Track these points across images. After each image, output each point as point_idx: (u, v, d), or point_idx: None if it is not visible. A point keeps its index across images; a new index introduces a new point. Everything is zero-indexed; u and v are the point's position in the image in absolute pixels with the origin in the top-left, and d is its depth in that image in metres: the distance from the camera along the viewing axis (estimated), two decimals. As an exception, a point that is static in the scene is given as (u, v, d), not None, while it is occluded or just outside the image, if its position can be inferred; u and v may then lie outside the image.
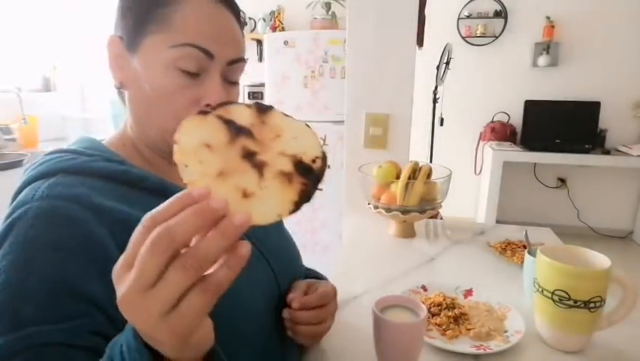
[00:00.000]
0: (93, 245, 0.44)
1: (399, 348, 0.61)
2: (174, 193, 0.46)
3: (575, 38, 3.37)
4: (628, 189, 3.53)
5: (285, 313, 0.61)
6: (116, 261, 0.38)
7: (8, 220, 0.44)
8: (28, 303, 0.40)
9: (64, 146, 0.55)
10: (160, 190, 0.52)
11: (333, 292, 0.66)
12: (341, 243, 1.43)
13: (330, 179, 2.63)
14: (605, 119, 3.35)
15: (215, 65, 0.52)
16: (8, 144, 2.42)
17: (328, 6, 2.80)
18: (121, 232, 0.45)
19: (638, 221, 3.50)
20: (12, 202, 0.48)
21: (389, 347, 0.62)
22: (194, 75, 0.51)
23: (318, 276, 0.79)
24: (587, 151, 3.20)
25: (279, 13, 3.40)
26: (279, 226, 0.73)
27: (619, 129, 3.40)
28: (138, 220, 0.41)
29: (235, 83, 0.56)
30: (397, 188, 1.07)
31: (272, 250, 0.63)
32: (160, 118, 0.52)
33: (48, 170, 0.49)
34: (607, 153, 3.20)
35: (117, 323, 0.41)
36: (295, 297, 0.61)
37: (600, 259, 0.67)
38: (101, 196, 0.47)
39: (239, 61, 0.54)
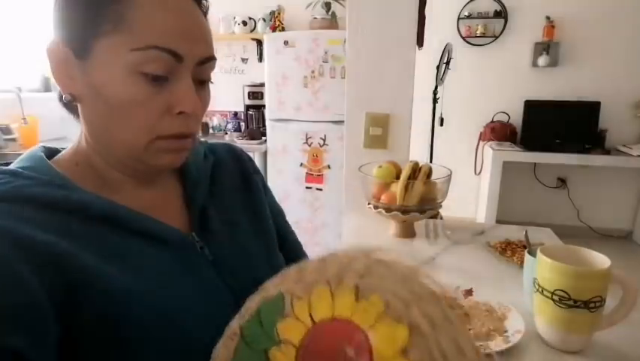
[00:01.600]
0: (13, 289, 0.36)
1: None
2: (125, 219, 0.45)
3: (575, 38, 3.37)
4: (628, 189, 3.53)
5: None
6: (39, 305, 0.36)
7: None
8: None
9: (12, 163, 0.48)
10: (108, 217, 0.45)
11: None
12: (341, 243, 1.43)
13: (330, 179, 2.63)
14: (605, 119, 3.35)
15: (184, 67, 0.45)
16: (8, 144, 2.42)
17: (328, 6, 2.80)
18: (49, 269, 0.38)
19: (638, 221, 3.50)
20: None
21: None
22: (161, 80, 0.44)
23: None
24: (587, 151, 3.20)
25: (279, 13, 3.40)
26: (269, 252, 0.61)
27: (619, 129, 3.40)
28: (72, 255, 0.39)
29: (205, 82, 0.50)
30: (397, 188, 1.07)
31: (246, 283, 0.45)
32: (124, 131, 0.45)
33: None
34: (607, 153, 3.20)
35: None
36: None
37: (600, 259, 0.67)
38: (32, 228, 0.39)
39: (210, 59, 0.48)
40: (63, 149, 0.53)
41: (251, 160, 0.68)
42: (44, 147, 0.52)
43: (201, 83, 0.49)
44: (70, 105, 0.50)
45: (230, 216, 0.57)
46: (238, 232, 0.57)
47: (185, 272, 0.48)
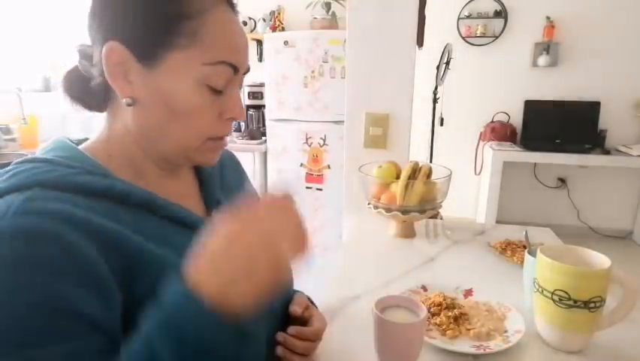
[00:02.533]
0: (83, 263, 0.39)
1: (399, 348, 0.61)
2: (164, 208, 0.50)
3: (575, 38, 3.37)
4: (628, 189, 3.53)
5: (280, 337, 0.61)
6: (106, 278, 0.41)
7: None
8: (21, 329, 0.36)
9: (38, 152, 0.50)
10: (147, 205, 0.49)
11: (323, 330, 0.66)
12: (341, 243, 1.43)
13: (330, 179, 2.63)
14: (605, 119, 3.35)
15: (237, 78, 0.51)
16: (8, 144, 2.42)
17: (328, 6, 2.80)
18: (110, 248, 0.42)
19: (638, 221, 3.50)
20: None
21: (389, 347, 0.62)
22: (219, 91, 0.49)
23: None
24: (587, 151, 3.20)
25: (279, 13, 3.40)
26: None
27: (619, 129, 3.40)
28: (127, 237, 0.43)
29: (241, 87, 0.56)
30: (397, 188, 1.07)
31: None
32: (182, 134, 0.50)
33: (22, 182, 0.43)
34: (607, 153, 3.20)
35: (116, 344, 0.40)
36: (297, 312, 0.64)
37: (600, 259, 0.67)
38: (86, 212, 0.42)
39: (249, 69, 0.54)
40: (81, 140, 0.55)
41: (241, 165, 0.76)
42: (67, 138, 0.54)
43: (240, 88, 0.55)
44: (87, 98, 0.53)
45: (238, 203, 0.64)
46: None
47: None
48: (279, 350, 0.61)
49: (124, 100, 0.48)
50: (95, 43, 0.48)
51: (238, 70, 0.50)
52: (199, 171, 0.63)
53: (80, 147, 0.52)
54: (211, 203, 0.60)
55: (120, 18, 0.46)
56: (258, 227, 0.39)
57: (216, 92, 0.49)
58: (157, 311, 0.38)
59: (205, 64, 0.47)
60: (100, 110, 0.54)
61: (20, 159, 0.47)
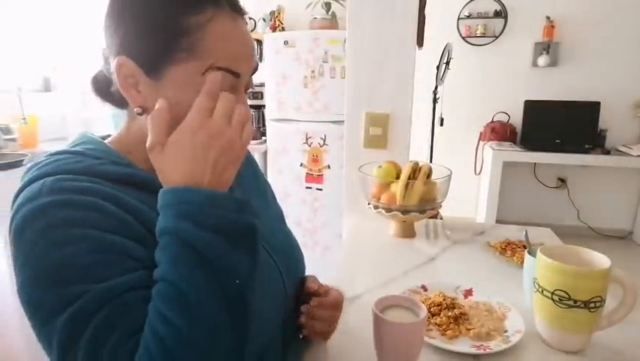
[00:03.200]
0: (121, 218, 0.45)
1: (399, 348, 0.61)
2: None
3: (575, 38, 3.37)
4: (628, 189, 3.53)
5: (304, 308, 0.65)
6: (142, 230, 0.47)
7: (16, 222, 0.44)
8: (90, 268, 0.42)
9: (66, 146, 0.54)
10: None
11: (342, 300, 0.70)
12: (341, 243, 1.43)
13: (330, 179, 2.63)
14: (605, 119, 3.35)
15: (240, 82, 0.53)
16: (8, 144, 2.42)
17: (328, 6, 2.80)
18: (139, 217, 0.47)
19: (638, 221, 3.50)
20: (13, 203, 0.46)
21: (389, 347, 0.62)
22: None
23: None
24: (587, 151, 3.20)
25: (279, 13, 3.40)
26: (283, 225, 0.76)
27: (619, 129, 3.40)
28: (151, 213, 0.48)
29: (248, 88, 0.58)
30: (397, 188, 1.07)
31: (279, 250, 0.64)
32: None
33: (53, 171, 0.47)
34: (607, 153, 3.20)
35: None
36: (313, 288, 0.68)
37: (600, 259, 0.67)
38: (114, 191, 0.47)
39: (257, 68, 0.56)
40: (104, 137, 0.59)
41: (254, 159, 0.80)
42: (90, 134, 0.58)
43: (245, 90, 0.56)
44: (113, 98, 0.57)
45: (251, 196, 0.68)
46: (259, 209, 0.68)
47: None
48: (303, 319, 0.66)
49: (135, 109, 0.51)
50: (110, 54, 0.52)
51: (239, 75, 0.51)
52: None
53: (105, 141, 0.56)
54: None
55: (127, 35, 0.49)
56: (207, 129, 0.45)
57: None
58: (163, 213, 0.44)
59: (204, 74, 0.49)
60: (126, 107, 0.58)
61: (51, 152, 0.51)
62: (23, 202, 0.44)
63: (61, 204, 0.43)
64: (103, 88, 0.57)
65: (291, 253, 0.69)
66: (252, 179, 0.74)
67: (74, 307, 0.40)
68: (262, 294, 0.56)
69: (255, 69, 0.55)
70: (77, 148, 0.52)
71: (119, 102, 0.57)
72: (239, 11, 0.52)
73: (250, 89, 0.57)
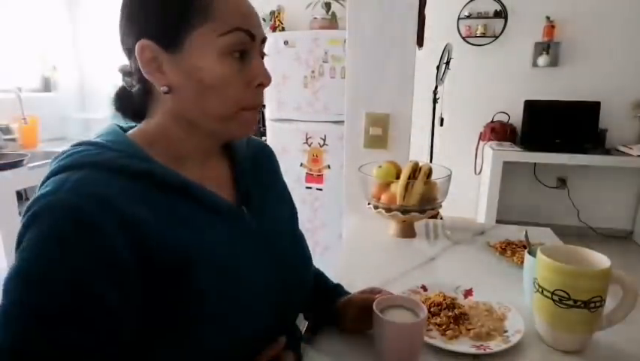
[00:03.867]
0: (110, 251, 0.44)
1: (399, 348, 0.61)
2: (196, 192, 0.55)
3: (575, 38, 3.37)
4: (628, 189, 3.53)
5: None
6: (128, 268, 0.45)
7: (34, 209, 0.45)
8: (50, 301, 0.42)
9: (92, 137, 0.55)
10: (181, 189, 0.53)
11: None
12: (341, 243, 1.43)
13: (330, 179, 2.63)
14: (605, 119, 3.35)
15: (255, 46, 0.55)
16: (8, 144, 2.42)
17: (328, 6, 2.80)
18: (137, 236, 0.46)
19: (638, 221, 3.49)
20: (39, 188, 0.48)
21: (389, 347, 0.62)
22: (242, 59, 0.53)
23: (327, 282, 0.82)
24: (586, 151, 3.20)
25: (279, 13, 3.40)
26: (293, 228, 0.75)
27: (619, 129, 3.40)
28: (155, 226, 0.48)
29: (263, 58, 0.59)
30: (397, 188, 1.07)
31: (284, 254, 0.64)
32: (217, 106, 0.54)
33: (76, 163, 0.49)
34: (607, 153, 3.20)
35: (123, 333, 0.45)
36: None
37: (600, 259, 0.67)
38: (124, 198, 0.47)
39: (266, 39, 0.58)
40: (129, 128, 0.60)
41: (276, 158, 0.79)
42: (117, 125, 0.59)
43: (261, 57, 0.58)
44: (131, 110, 0.59)
45: (266, 197, 0.68)
46: (272, 211, 0.68)
47: (238, 237, 0.58)
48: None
49: (162, 88, 0.53)
50: (130, 54, 0.54)
51: (254, 36, 0.54)
52: (233, 162, 0.66)
53: (128, 133, 0.57)
54: (242, 193, 0.64)
55: (141, 19, 0.52)
56: None
57: (240, 60, 0.53)
58: None
59: (221, 35, 0.51)
60: (142, 119, 0.60)
61: (77, 142, 0.53)
62: (44, 194, 0.45)
63: (68, 212, 0.44)
64: (124, 103, 0.60)
65: (296, 259, 0.68)
66: (269, 178, 0.73)
67: (17, 330, 0.41)
68: (262, 298, 0.57)
69: (265, 38, 0.57)
70: (99, 140, 0.53)
71: (137, 114, 0.59)
72: None
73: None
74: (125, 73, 0.58)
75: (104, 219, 0.44)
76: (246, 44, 0.53)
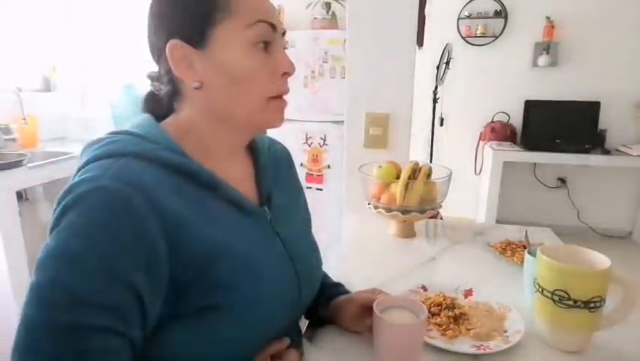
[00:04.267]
0: (147, 240, 0.46)
1: (399, 349, 0.61)
2: (223, 189, 0.57)
3: (575, 38, 3.37)
4: (628, 189, 3.53)
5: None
6: (160, 259, 0.47)
7: (76, 191, 0.45)
8: (84, 283, 0.43)
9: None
10: (212, 185, 0.55)
11: None
12: (341, 243, 1.43)
13: (330, 179, 2.63)
14: (605, 119, 3.35)
15: (278, 37, 0.57)
16: (8, 144, 2.42)
17: (328, 6, 2.80)
18: (171, 227, 0.48)
19: (638, 221, 3.50)
20: (77, 172, 0.49)
21: (389, 348, 0.62)
22: (267, 50, 0.56)
23: (330, 284, 0.82)
24: (587, 151, 3.20)
25: (279, 13, 3.40)
26: (307, 232, 0.76)
27: (619, 129, 3.40)
28: (187, 219, 0.50)
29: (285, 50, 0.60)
30: (397, 188, 1.07)
31: (300, 257, 0.65)
32: (247, 97, 0.56)
33: (118, 150, 0.50)
34: (607, 153, 3.20)
35: (148, 318, 0.47)
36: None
37: (600, 259, 0.67)
38: (162, 189, 0.49)
39: (285, 32, 0.59)
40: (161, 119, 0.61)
41: (293, 161, 0.81)
42: (152, 116, 0.60)
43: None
44: (161, 110, 0.61)
45: (284, 199, 0.69)
46: (289, 212, 0.69)
47: (263, 237, 0.60)
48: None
49: (194, 85, 0.55)
50: (160, 57, 0.56)
51: (276, 28, 0.56)
52: (256, 162, 0.68)
53: (161, 123, 0.59)
54: (263, 193, 0.65)
55: (168, 20, 0.54)
56: None
57: (266, 51, 0.55)
58: None
59: (245, 27, 0.53)
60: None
61: (114, 130, 0.55)
62: (88, 178, 0.46)
63: (110, 197, 0.45)
64: (154, 106, 0.62)
65: (310, 261, 0.69)
66: (288, 180, 0.75)
67: (51, 306, 0.42)
68: (279, 298, 0.58)
69: (285, 31, 0.59)
70: (137, 130, 0.55)
71: (166, 113, 0.61)
72: None
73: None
74: (153, 78, 0.61)
75: (144, 208, 0.46)
76: (269, 35, 0.55)
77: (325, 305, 0.76)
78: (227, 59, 0.54)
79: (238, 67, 0.54)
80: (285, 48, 0.60)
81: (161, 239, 0.46)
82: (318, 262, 0.73)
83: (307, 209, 0.80)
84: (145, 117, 0.59)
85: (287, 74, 0.58)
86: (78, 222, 0.44)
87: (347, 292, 0.79)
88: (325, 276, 0.84)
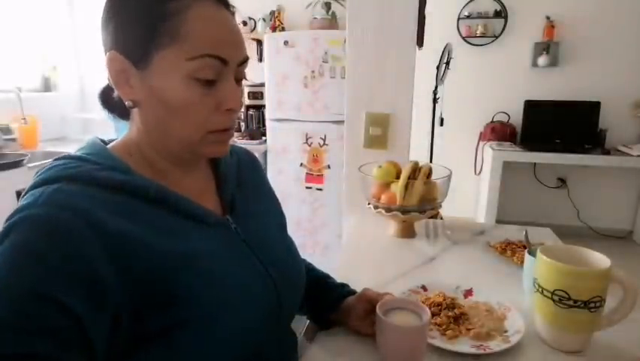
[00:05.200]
0: (81, 261, 0.43)
1: (401, 351, 0.61)
2: (174, 201, 0.54)
3: (575, 38, 3.37)
4: (628, 189, 3.53)
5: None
6: (102, 280, 0.44)
7: (9, 222, 0.45)
8: (8, 308, 0.40)
9: (73, 151, 0.55)
10: (161, 200, 0.52)
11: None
12: (341, 243, 1.43)
13: (330, 179, 2.63)
14: (605, 119, 3.35)
15: (229, 70, 0.53)
16: (8, 144, 2.42)
17: (328, 6, 2.81)
18: (115, 246, 0.45)
19: (638, 221, 3.49)
20: (19, 201, 0.48)
21: (393, 350, 0.62)
22: (211, 83, 0.52)
23: (336, 285, 0.81)
24: (587, 151, 3.20)
25: (279, 13, 3.40)
26: (282, 235, 0.73)
27: (619, 129, 3.40)
28: (134, 235, 0.47)
29: (241, 81, 0.57)
30: (397, 188, 1.07)
31: (275, 261, 0.62)
32: (181, 129, 0.53)
33: (53, 176, 0.49)
34: (607, 153, 3.20)
35: (95, 343, 0.43)
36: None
37: (600, 259, 0.67)
38: (101, 208, 0.47)
39: (246, 60, 0.56)
40: (111, 140, 0.60)
41: (260, 165, 0.79)
42: (99, 138, 0.59)
43: (238, 81, 0.56)
44: (117, 108, 0.59)
45: (251, 204, 0.68)
46: (258, 218, 0.67)
47: (226, 247, 0.58)
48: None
49: (127, 103, 0.53)
50: (105, 52, 0.53)
51: (227, 61, 0.52)
52: (216, 169, 0.66)
53: (109, 145, 0.57)
54: (226, 201, 0.63)
55: (116, 29, 0.51)
56: None
57: (208, 84, 0.51)
58: None
59: (188, 59, 0.49)
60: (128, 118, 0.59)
61: (58, 156, 0.53)
62: (20, 208, 0.46)
63: (43, 222, 0.43)
64: (108, 100, 0.59)
65: (287, 264, 0.67)
66: (254, 184, 0.73)
67: None
68: (251, 307, 0.56)
69: (245, 60, 0.55)
70: (79, 153, 0.53)
71: (123, 112, 0.59)
72: (223, 2, 0.53)
73: (248, 89, 0.58)
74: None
75: (79, 230, 0.44)
76: (215, 70, 0.51)
77: (334, 307, 0.75)
78: (164, 86, 0.50)
79: (174, 98, 0.50)
80: (241, 78, 0.56)
81: (104, 260, 0.44)
82: (296, 265, 0.70)
83: (281, 212, 0.77)
84: (90, 139, 0.58)
85: (231, 110, 0.54)
86: (6, 252, 0.42)
87: (354, 292, 0.78)
88: (328, 277, 0.83)
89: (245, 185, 0.69)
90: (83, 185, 0.48)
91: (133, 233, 0.47)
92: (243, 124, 3.11)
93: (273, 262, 0.62)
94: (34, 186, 0.49)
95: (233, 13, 0.55)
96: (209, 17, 0.50)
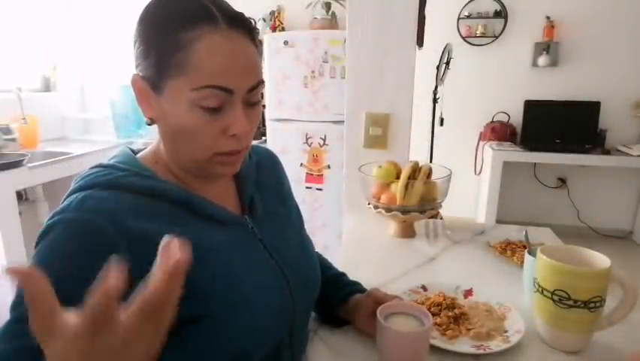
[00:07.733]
0: (104, 260, 0.44)
1: (400, 356, 0.61)
2: (198, 203, 0.58)
3: (575, 38, 3.37)
4: (628, 189, 3.53)
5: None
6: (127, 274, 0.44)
7: (47, 223, 0.50)
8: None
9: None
10: (184, 203, 0.57)
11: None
12: (341, 243, 1.43)
13: (330, 179, 2.63)
14: (605, 119, 3.35)
15: (235, 97, 0.54)
16: (8, 143, 2.42)
17: (328, 6, 2.80)
18: (138, 245, 0.49)
19: (638, 221, 3.49)
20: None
21: (390, 355, 0.61)
22: (217, 110, 0.54)
23: (332, 272, 0.82)
24: (587, 151, 3.20)
25: (279, 13, 3.40)
26: (300, 235, 0.75)
27: (619, 129, 3.40)
28: (155, 233, 0.47)
29: (256, 103, 0.58)
30: (397, 188, 1.07)
31: (289, 261, 0.64)
32: (188, 150, 0.57)
33: (85, 184, 0.54)
34: (607, 153, 3.20)
35: None
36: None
37: (600, 259, 0.67)
38: (126, 211, 0.51)
39: (258, 85, 0.56)
40: (141, 150, 0.65)
41: (281, 164, 0.81)
42: (129, 147, 0.65)
43: (253, 105, 0.58)
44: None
45: (270, 206, 0.70)
46: (276, 219, 0.70)
47: (242, 246, 0.61)
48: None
49: (146, 120, 0.58)
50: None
51: (232, 91, 0.53)
52: (236, 173, 0.67)
53: (138, 155, 0.62)
54: (245, 201, 0.66)
55: (138, 53, 0.55)
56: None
57: (213, 111, 0.54)
58: None
59: (192, 89, 0.52)
60: None
61: (94, 165, 0.59)
62: (57, 212, 0.51)
63: (76, 224, 0.49)
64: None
65: (302, 265, 0.68)
66: (274, 185, 0.75)
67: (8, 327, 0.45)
68: (266, 306, 0.57)
69: (256, 85, 0.56)
70: (110, 161, 0.59)
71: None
72: (237, 26, 0.54)
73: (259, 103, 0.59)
74: None
75: (107, 231, 0.49)
76: (219, 100, 0.53)
77: (341, 303, 0.76)
78: (172, 112, 0.54)
79: (180, 122, 0.54)
80: (253, 103, 0.57)
81: (124, 255, 0.45)
82: (312, 265, 0.72)
83: (298, 211, 0.79)
84: (121, 149, 0.63)
85: (236, 135, 0.56)
86: (41, 252, 0.48)
87: (364, 290, 0.78)
88: (343, 274, 0.84)
89: (264, 186, 0.71)
90: (111, 191, 0.53)
91: (155, 235, 0.48)
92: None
93: (288, 263, 0.64)
94: (71, 193, 0.54)
95: (251, 34, 0.56)
96: (217, 48, 0.52)
